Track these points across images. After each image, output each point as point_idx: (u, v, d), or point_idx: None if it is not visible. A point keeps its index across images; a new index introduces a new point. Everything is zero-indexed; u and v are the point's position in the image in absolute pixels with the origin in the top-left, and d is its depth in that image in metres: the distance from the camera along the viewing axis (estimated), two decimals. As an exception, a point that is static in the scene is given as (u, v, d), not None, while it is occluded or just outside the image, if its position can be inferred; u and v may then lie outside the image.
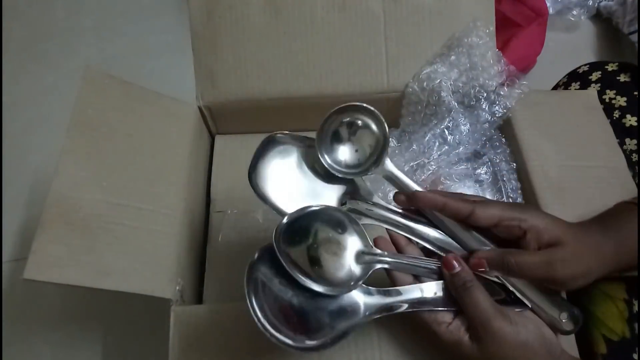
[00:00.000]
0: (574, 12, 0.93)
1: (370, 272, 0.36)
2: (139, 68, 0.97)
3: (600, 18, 0.95)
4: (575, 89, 0.62)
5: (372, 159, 0.38)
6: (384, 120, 0.38)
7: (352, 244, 0.37)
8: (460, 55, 0.52)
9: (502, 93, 0.53)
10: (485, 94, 0.53)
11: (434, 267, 0.37)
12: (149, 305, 0.67)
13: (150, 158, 0.49)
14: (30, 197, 0.82)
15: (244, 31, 0.54)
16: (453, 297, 0.36)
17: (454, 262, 0.36)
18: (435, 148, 0.52)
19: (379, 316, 0.35)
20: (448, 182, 0.53)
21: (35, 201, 0.81)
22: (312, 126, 0.61)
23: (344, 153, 0.39)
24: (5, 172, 0.85)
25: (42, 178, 0.84)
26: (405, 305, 0.36)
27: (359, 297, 0.36)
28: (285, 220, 0.35)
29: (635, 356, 0.42)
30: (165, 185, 0.49)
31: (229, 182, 0.58)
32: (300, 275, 0.33)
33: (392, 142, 0.58)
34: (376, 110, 0.38)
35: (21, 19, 1.05)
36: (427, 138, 0.53)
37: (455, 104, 0.52)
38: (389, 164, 0.38)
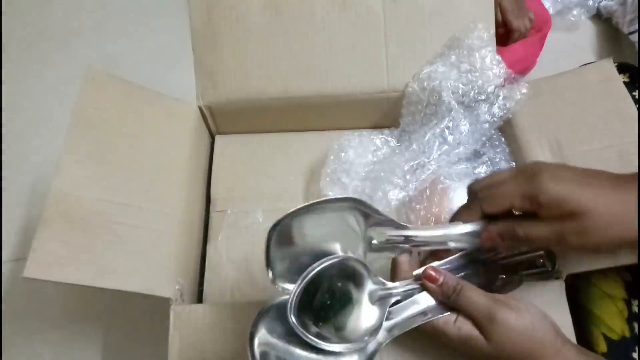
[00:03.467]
0: (574, 12, 0.93)
1: (387, 310, 0.35)
2: (139, 68, 0.97)
3: (600, 18, 0.95)
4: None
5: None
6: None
7: (365, 287, 0.36)
8: (461, 56, 0.53)
9: (501, 95, 0.53)
10: (484, 96, 0.53)
11: None
12: (149, 305, 0.67)
13: (151, 157, 0.49)
14: (30, 197, 0.82)
15: (244, 31, 0.54)
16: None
17: (434, 274, 0.36)
18: (435, 147, 0.52)
19: (388, 341, 0.35)
20: (448, 182, 0.53)
21: (35, 201, 0.81)
22: (312, 126, 0.61)
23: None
24: (5, 172, 0.85)
25: (43, 178, 0.84)
26: (409, 322, 0.36)
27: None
28: (297, 290, 0.33)
29: (635, 355, 0.42)
30: (165, 184, 0.49)
31: (229, 182, 0.58)
32: (322, 343, 0.32)
33: (392, 142, 0.58)
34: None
35: (21, 19, 1.05)
36: (427, 137, 0.53)
37: (455, 103, 0.52)
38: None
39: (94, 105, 0.48)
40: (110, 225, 0.43)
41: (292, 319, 0.32)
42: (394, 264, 0.38)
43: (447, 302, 0.35)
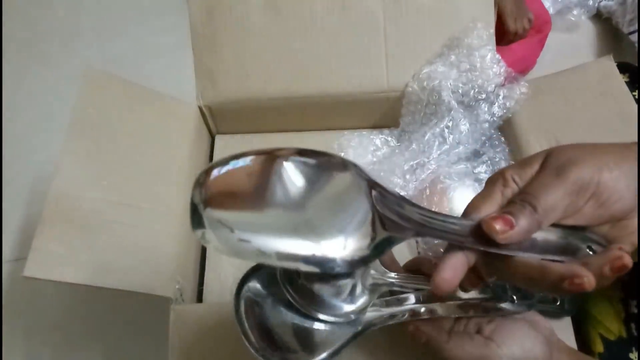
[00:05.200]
0: (574, 12, 0.93)
1: (377, 294, 0.35)
2: (139, 68, 0.97)
3: (600, 18, 0.96)
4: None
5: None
6: None
7: (362, 269, 0.35)
8: (460, 55, 0.53)
9: (501, 94, 0.53)
10: (484, 95, 0.53)
11: None
12: (149, 304, 0.67)
13: (151, 157, 0.49)
14: (30, 197, 0.82)
15: (244, 31, 0.54)
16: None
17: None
18: (435, 147, 0.53)
19: (379, 327, 0.35)
20: (447, 181, 0.53)
21: (35, 201, 0.81)
22: (312, 126, 0.61)
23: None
24: (5, 172, 0.85)
25: (43, 178, 0.84)
26: (406, 314, 0.35)
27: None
28: None
29: (632, 355, 0.42)
30: (165, 184, 0.49)
31: (229, 181, 0.58)
32: (309, 308, 0.32)
33: (392, 142, 0.58)
34: None
35: (21, 19, 1.06)
36: (426, 137, 0.53)
37: (455, 103, 0.52)
38: None
39: (94, 105, 0.48)
40: (110, 225, 0.43)
41: (280, 281, 0.32)
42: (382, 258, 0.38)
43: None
